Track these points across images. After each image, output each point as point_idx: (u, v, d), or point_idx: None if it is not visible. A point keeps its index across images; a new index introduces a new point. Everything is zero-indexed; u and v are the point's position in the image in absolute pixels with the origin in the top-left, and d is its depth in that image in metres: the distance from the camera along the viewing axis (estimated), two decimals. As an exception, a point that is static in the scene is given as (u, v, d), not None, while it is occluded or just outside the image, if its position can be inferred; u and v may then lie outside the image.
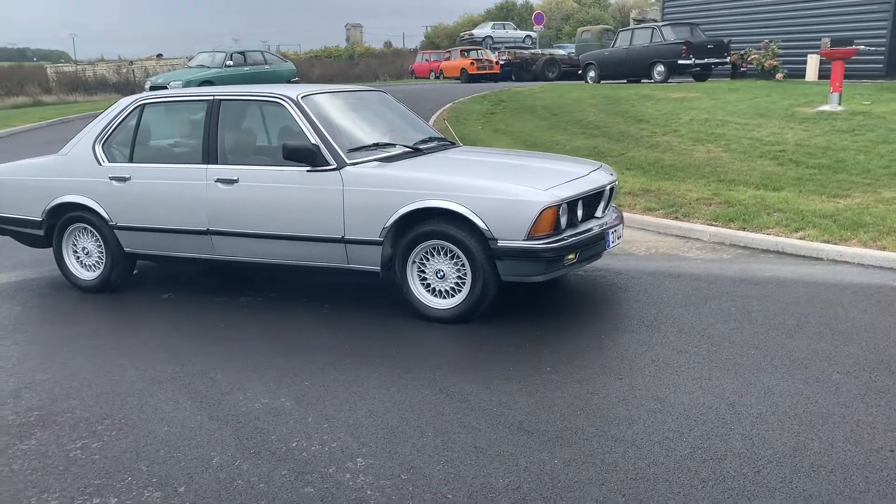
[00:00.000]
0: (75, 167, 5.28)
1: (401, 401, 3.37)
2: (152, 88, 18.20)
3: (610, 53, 19.37)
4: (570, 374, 3.59)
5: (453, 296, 4.41)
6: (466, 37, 43.02)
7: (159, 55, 35.62)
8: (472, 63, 27.41)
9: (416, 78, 31.66)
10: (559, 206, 4.18)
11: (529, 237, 4.14)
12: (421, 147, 5.09)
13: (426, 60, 30.85)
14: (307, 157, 4.53)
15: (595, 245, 4.47)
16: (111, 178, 5.13)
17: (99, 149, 5.23)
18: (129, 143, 5.22)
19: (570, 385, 3.46)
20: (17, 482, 2.82)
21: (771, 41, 16.95)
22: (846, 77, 16.58)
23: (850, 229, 5.69)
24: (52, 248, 5.53)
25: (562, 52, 31.72)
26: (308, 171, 4.57)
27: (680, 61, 17.06)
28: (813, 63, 17.37)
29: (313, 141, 4.58)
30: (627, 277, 5.18)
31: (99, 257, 5.37)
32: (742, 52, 17.30)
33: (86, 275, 5.44)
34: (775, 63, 16.72)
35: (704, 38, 17.82)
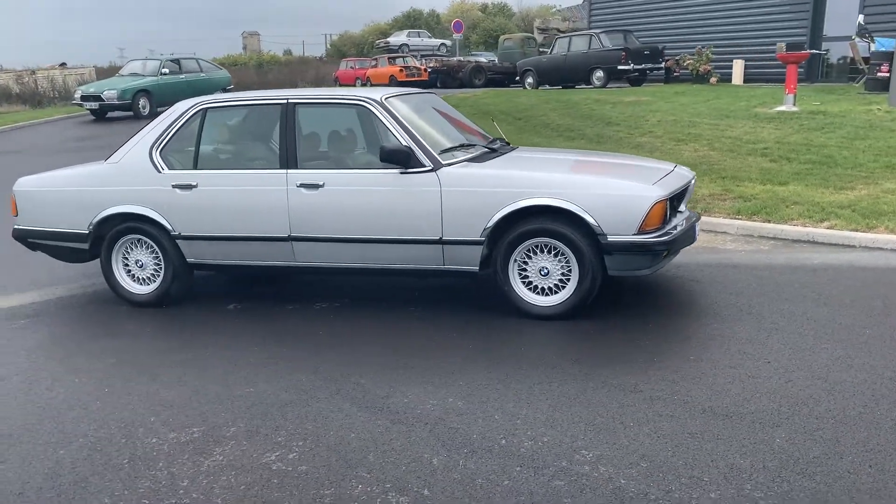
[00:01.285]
0: (130, 176, 5.03)
1: (573, 394, 3.41)
2: (83, 98, 17.34)
3: (548, 60, 19.87)
4: (718, 361, 3.72)
5: (556, 293, 4.47)
6: (382, 45, 43.08)
7: (62, 64, 33.89)
8: (400, 70, 27.44)
9: (341, 85, 31.36)
10: (667, 200, 4.32)
11: (640, 231, 4.25)
12: (495, 147, 5.14)
13: (351, 68, 30.60)
14: (403, 159, 4.49)
15: (688, 238, 4.63)
16: (174, 187, 4.91)
17: (157, 156, 5.00)
18: (193, 150, 5.01)
19: (726, 370, 3.59)
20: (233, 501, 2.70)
21: (704, 47, 17.83)
22: (771, 81, 17.70)
23: (873, 217, 6.10)
24: (82, 263, 5.35)
25: (483, 59, 32.21)
26: (401, 173, 4.54)
27: (619, 67, 17.70)
28: (738, 67, 18.42)
29: (404, 143, 4.55)
30: (690, 269, 5.37)
31: (155, 270, 5.13)
32: (677, 57, 18.10)
33: (139, 288, 5.18)
34: (709, 68, 17.60)
35: (640, 45, 18.55)
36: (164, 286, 5.09)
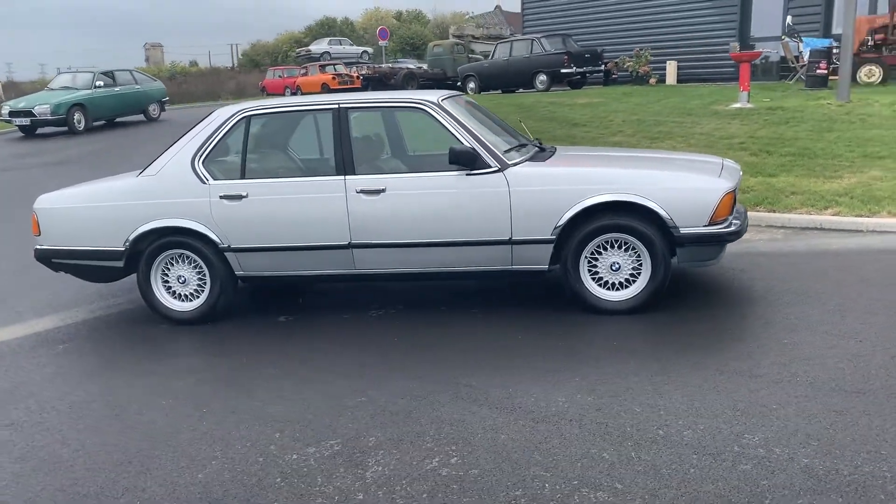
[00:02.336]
0: (171, 188, 4.81)
1: (698, 383, 3.47)
2: (12, 114, 16.41)
3: (490, 65, 20.10)
4: (812, 343, 3.86)
5: (625, 287, 4.54)
6: (304, 53, 42.52)
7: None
8: (333, 78, 27.20)
9: (268, 94, 30.80)
10: (734, 191, 4.46)
11: (710, 223, 4.38)
12: (541, 146, 5.18)
13: (279, 77, 30.09)
14: (470, 160, 4.48)
15: (746, 228, 4.79)
16: (222, 197, 4.73)
17: (200, 166, 4.81)
18: (239, 159, 4.84)
19: (826, 351, 3.73)
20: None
21: (641, 49, 18.42)
22: (705, 80, 18.44)
23: (873, 203, 6.45)
24: (100, 283, 5.27)
25: (411, 65, 32.29)
26: (467, 174, 4.52)
27: (562, 70, 18.07)
28: (672, 68, 19.12)
29: (468, 144, 4.54)
30: (724, 259, 5.54)
31: (199, 285, 4.92)
32: (616, 59, 18.63)
33: (181, 305, 4.96)
34: (648, 69, 18.18)
35: (580, 49, 19.00)
36: (211, 302, 4.90)
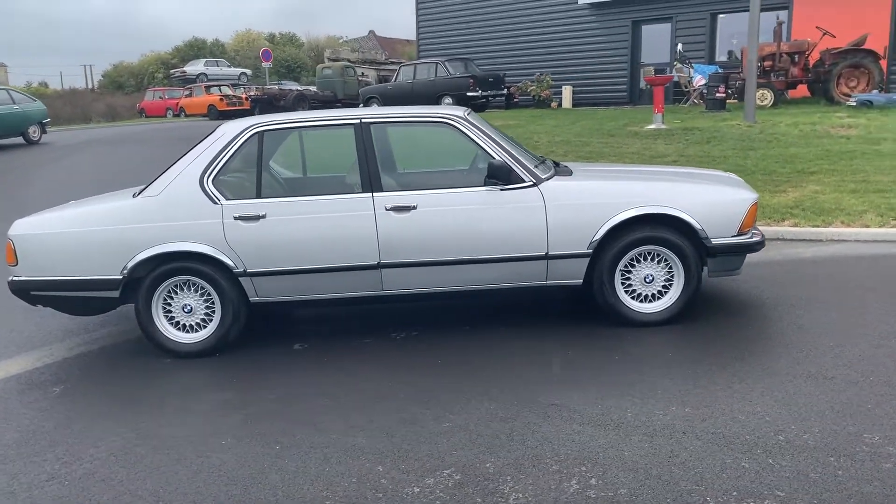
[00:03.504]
0: (177, 209, 4.43)
1: (780, 386, 3.54)
2: None
3: (394, 87, 20.10)
4: (861, 344, 4.03)
5: (657, 299, 4.60)
6: (178, 74, 40.91)
7: None
8: (221, 99, 26.27)
9: (148, 117, 29.34)
10: (757, 202, 4.63)
11: (739, 233, 4.52)
12: (556, 163, 5.18)
13: (160, 98, 28.75)
14: (506, 175, 4.42)
15: (762, 239, 4.96)
16: (237, 219, 4.41)
17: (210, 185, 4.46)
18: (253, 177, 4.53)
19: (876, 351, 3.91)
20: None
21: (542, 74, 19.00)
22: (598, 105, 19.26)
23: (826, 214, 6.91)
24: (93, 317, 4.74)
25: (299, 87, 31.77)
26: (501, 189, 4.45)
27: (468, 93, 18.32)
28: (567, 93, 19.86)
29: (499, 159, 4.47)
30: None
31: (207, 314, 4.55)
32: (520, 84, 19.12)
33: (186, 337, 4.57)
34: (549, 93, 18.78)
35: (483, 73, 19.36)
36: (221, 332, 4.53)
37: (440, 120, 4.63)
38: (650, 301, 4.59)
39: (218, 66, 42.69)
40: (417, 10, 24.13)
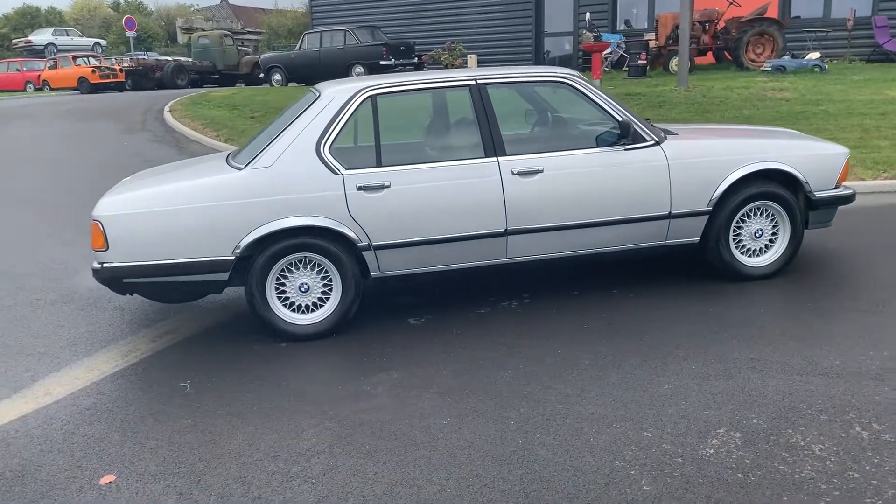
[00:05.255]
0: (294, 181, 4.07)
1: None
2: None
3: (298, 56, 19.31)
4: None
5: (762, 254, 4.75)
6: (23, 44, 37.37)
7: None
8: (93, 71, 24.20)
9: (1, 91, 26.50)
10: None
11: (836, 186, 4.74)
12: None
13: (17, 70, 26.01)
14: (632, 134, 4.39)
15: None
16: (360, 189, 4.11)
17: (328, 154, 4.12)
18: (372, 144, 4.22)
19: None
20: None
21: (454, 42, 18.91)
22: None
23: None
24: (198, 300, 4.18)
25: (170, 59, 29.84)
26: (625, 149, 4.42)
27: (382, 62, 17.94)
28: (473, 62, 19.91)
29: (621, 118, 4.44)
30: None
31: (324, 293, 4.24)
32: (432, 52, 18.93)
33: (304, 319, 4.23)
34: (461, 62, 18.73)
35: (393, 41, 19.00)
36: (342, 310, 4.23)
37: (557, 79, 4.51)
38: (757, 255, 4.73)
39: (68, 35, 39.34)
40: (309, -24, 23.24)
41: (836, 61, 15.32)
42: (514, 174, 4.26)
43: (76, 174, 10.01)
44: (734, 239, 4.67)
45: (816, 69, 13.32)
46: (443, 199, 4.20)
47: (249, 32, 52.24)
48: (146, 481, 2.87)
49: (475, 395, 3.41)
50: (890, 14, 15.90)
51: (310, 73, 18.95)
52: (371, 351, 4.05)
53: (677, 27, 14.93)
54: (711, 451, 2.82)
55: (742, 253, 4.70)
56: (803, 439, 2.85)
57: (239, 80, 26.67)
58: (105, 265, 4.01)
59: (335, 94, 4.24)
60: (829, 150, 4.78)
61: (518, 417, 3.18)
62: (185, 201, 4.01)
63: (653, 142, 4.44)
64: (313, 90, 4.49)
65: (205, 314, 4.73)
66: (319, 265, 4.19)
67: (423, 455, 2.93)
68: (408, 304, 4.71)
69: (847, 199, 4.78)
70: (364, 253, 4.17)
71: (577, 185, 4.35)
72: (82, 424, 3.37)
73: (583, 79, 4.52)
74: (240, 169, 4.12)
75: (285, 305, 4.21)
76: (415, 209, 4.17)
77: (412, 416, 3.26)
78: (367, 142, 4.26)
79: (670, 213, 4.47)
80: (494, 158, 4.27)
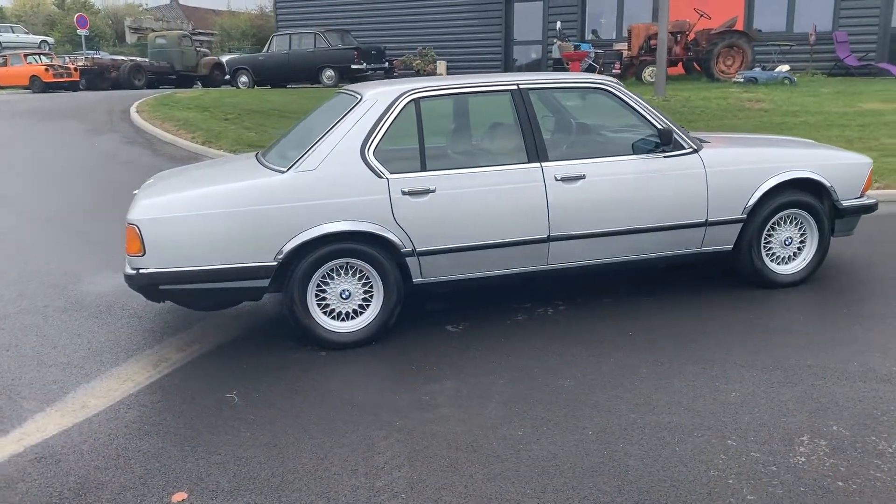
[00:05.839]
0: (338, 185, 3.96)
1: None
2: None
3: (266, 58, 19.02)
4: None
5: (791, 261, 4.80)
6: (-37, 41, 35.98)
7: None
8: (46, 70, 23.39)
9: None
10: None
11: (861, 195, 4.84)
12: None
13: (-37, 68, 24.95)
14: (672, 141, 4.41)
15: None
16: (405, 194, 4.02)
17: (373, 158, 4.02)
18: (416, 148, 4.13)
19: None
20: None
21: (425, 47, 18.88)
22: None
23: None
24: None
25: (128, 59, 29.07)
26: (665, 156, 4.43)
27: (353, 66, 17.79)
28: (442, 67, 19.96)
29: (664, 125, 4.45)
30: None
31: (364, 299, 4.13)
32: (403, 57, 18.86)
33: (346, 326, 4.12)
34: (433, 67, 18.71)
35: (364, 45, 18.87)
36: (384, 317, 4.13)
37: (594, 86, 4.49)
38: (786, 263, 4.78)
39: (13, 32, 38.01)
40: (274, -23, 22.94)
41: (799, 74, 15.76)
42: (557, 180, 4.23)
43: (50, 175, 9.63)
44: (765, 247, 4.71)
45: (786, 81, 13.68)
46: (487, 204, 4.13)
47: (201, 34, 51.35)
48: (222, 498, 2.73)
49: (542, 405, 3.35)
50: (850, 30, 16.45)
51: (278, 75, 18.73)
52: (413, 359, 3.95)
53: (650, 38, 15.20)
54: (802, 458, 2.81)
55: (772, 260, 4.74)
56: (889, 446, 2.86)
57: (197, 81, 26.15)
58: (141, 271, 3.82)
59: (378, 97, 4.14)
60: (854, 159, 4.87)
61: (594, 427, 3.12)
62: (228, 204, 3.86)
63: (691, 150, 4.46)
64: (351, 93, 4.38)
65: (228, 323, 4.56)
66: (360, 271, 4.08)
67: (509, 468, 2.86)
68: (441, 310, 4.63)
69: (871, 208, 4.87)
70: (407, 259, 4.07)
71: (618, 192, 4.34)
72: (132, 438, 3.19)
73: (621, 86, 4.51)
74: (282, 172, 3.98)
75: (324, 313, 4.08)
76: (459, 214, 4.10)
77: (483, 426, 3.18)
78: (410, 145, 4.17)
79: (707, 220, 4.49)
80: (538, 164, 4.23)
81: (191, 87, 24.09)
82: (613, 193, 4.33)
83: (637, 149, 4.43)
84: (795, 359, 3.69)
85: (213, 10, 57.73)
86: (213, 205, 3.86)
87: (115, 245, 6.36)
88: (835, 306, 4.46)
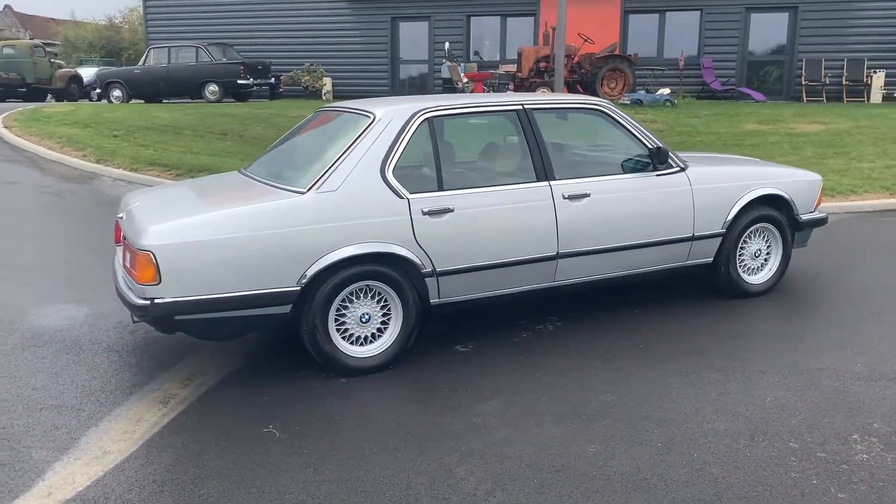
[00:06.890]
0: (360, 205, 3.85)
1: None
2: None
3: (142, 72, 18.01)
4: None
5: (758, 272, 5.15)
6: None
7: None
8: None
9: None
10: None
11: (815, 209, 5.28)
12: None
13: None
14: (667, 160, 4.63)
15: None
16: (425, 213, 3.98)
17: (392, 178, 3.95)
18: (433, 167, 4.09)
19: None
20: None
21: (313, 64, 18.59)
22: (356, 96, 19.47)
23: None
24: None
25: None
26: (657, 175, 4.64)
27: (239, 81, 17.24)
28: (329, 85, 19.78)
29: (655, 145, 4.67)
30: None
31: (383, 323, 4.04)
32: (291, 73, 18.47)
33: (364, 351, 4.00)
34: (321, 84, 18.46)
35: (249, 60, 18.32)
36: (402, 340, 4.04)
37: (592, 107, 4.64)
38: (755, 274, 5.12)
39: None
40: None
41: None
42: (564, 198, 4.31)
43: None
44: (738, 258, 5.02)
45: (668, 103, 14.62)
46: (502, 223, 4.15)
47: (47, 44, 47.94)
48: (323, 541, 2.56)
49: (598, 421, 3.39)
50: (714, 56, 17.83)
51: (155, 89, 17.82)
52: (438, 381, 3.89)
53: (539, 60, 15.77)
54: (865, 456, 3.02)
55: (744, 271, 5.06)
56: (931, 439, 3.13)
57: (50, 94, 24.35)
58: (156, 301, 3.52)
59: (393, 115, 4.06)
60: (809, 177, 5.29)
61: (660, 440, 3.20)
62: (250, 227, 3.64)
63: (678, 168, 4.69)
64: (359, 111, 4.26)
65: (218, 354, 4.28)
66: (379, 293, 3.97)
67: (602, 485, 2.87)
68: (441, 332, 4.56)
69: (823, 221, 5.31)
70: (427, 279, 4.01)
71: (619, 209, 4.48)
72: (186, 484, 2.93)
73: (614, 106, 4.68)
74: (301, 192, 3.81)
75: (343, 338, 3.93)
76: (476, 233, 4.09)
77: (551, 445, 3.18)
78: (422, 164, 4.11)
79: (693, 234, 4.73)
80: (546, 182, 4.30)
81: (44, 101, 22.41)
82: (615, 210, 4.47)
83: (628, 168, 4.60)
84: (805, 363, 3.95)
85: (54, 19, 54.02)
86: (234, 228, 3.62)
87: (41, 271, 5.83)
88: (811, 312, 4.82)
